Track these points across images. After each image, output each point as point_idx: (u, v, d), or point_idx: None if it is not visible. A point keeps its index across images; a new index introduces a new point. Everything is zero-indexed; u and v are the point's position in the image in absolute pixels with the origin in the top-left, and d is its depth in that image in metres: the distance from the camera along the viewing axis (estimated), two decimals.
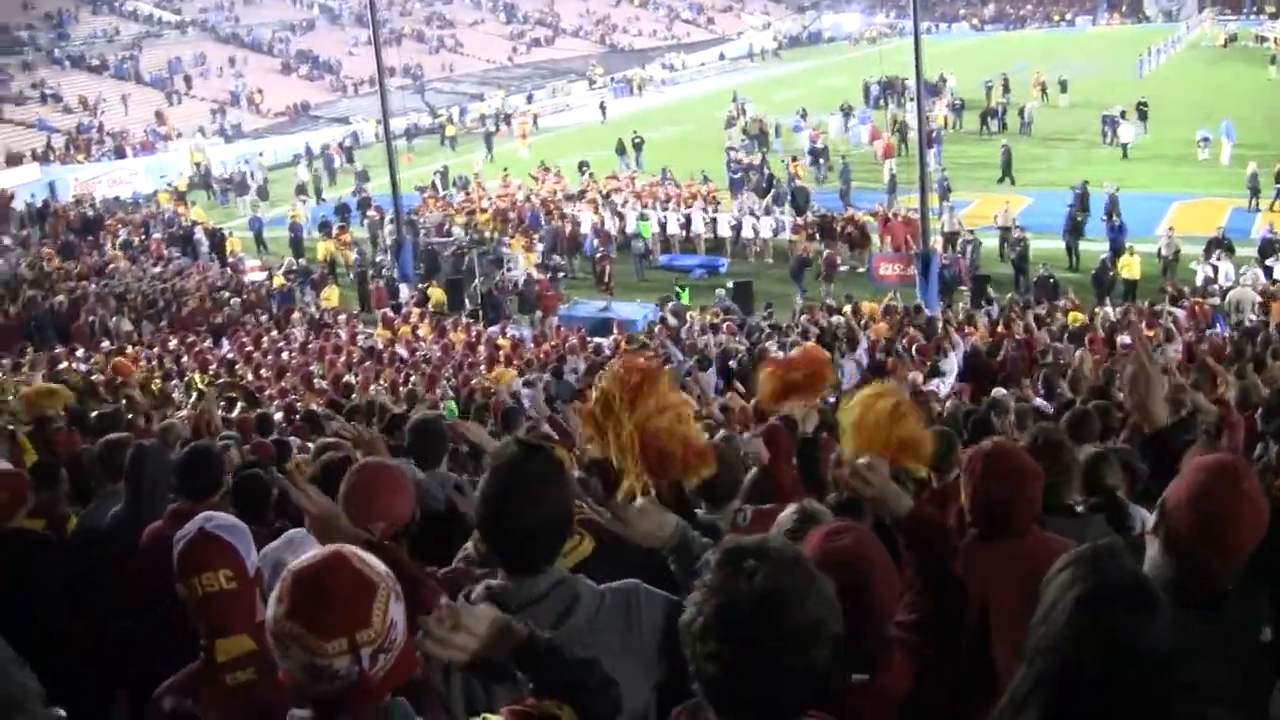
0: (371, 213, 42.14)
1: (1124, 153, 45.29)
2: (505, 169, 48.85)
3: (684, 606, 2.83)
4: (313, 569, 2.92)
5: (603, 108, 67.01)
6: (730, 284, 32.37)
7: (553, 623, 3.48)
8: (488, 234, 38.87)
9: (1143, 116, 48.61)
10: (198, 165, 56.64)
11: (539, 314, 32.26)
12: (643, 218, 37.77)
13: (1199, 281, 29.40)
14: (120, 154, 58.89)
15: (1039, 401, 13.67)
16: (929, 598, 4.08)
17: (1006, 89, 57.22)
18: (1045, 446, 5.63)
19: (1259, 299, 24.65)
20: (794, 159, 45.07)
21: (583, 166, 47.82)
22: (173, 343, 26.20)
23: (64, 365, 21.57)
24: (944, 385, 17.64)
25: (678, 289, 32.49)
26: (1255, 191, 36.49)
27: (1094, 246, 32.98)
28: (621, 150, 51.34)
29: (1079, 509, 5.94)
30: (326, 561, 2.93)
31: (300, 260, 38.57)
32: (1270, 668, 3.51)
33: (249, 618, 3.94)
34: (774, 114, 55.58)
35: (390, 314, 31.17)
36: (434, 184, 47.58)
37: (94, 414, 12.27)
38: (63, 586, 6.33)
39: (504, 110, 68.08)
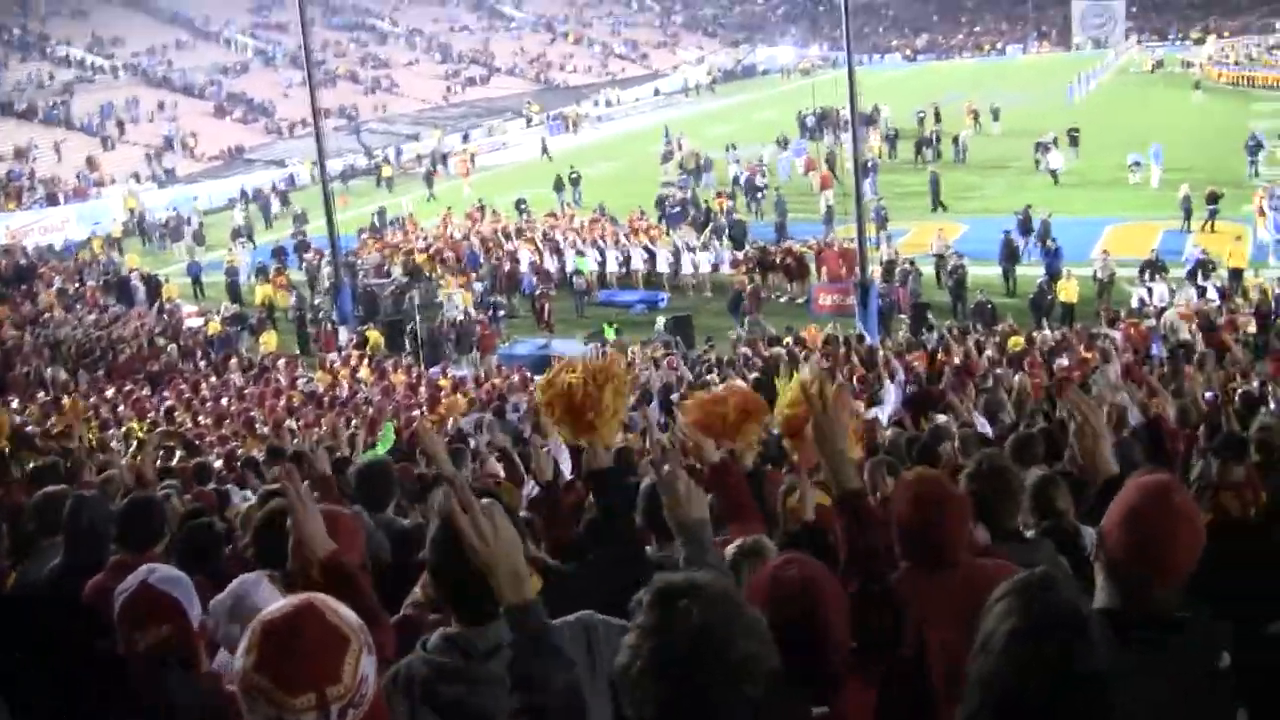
0: (309, 255, 41.97)
1: (1055, 179, 45.79)
2: (449, 207, 48.80)
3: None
4: (282, 619, 2.81)
5: (544, 145, 67.02)
6: (662, 319, 32.34)
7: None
8: (426, 274, 38.78)
9: (1074, 143, 49.32)
10: (132, 211, 56.19)
11: (478, 354, 32.20)
12: (580, 254, 37.80)
13: (1134, 303, 29.83)
14: (52, 201, 58.22)
15: (980, 423, 13.72)
16: (869, 620, 4.09)
17: (938, 118, 57.78)
18: (990, 472, 5.64)
19: (1191, 319, 24.97)
20: (718, 194, 45.44)
21: (520, 205, 47.85)
22: (109, 391, 25.92)
23: None
24: (884, 413, 17.67)
25: (604, 325, 32.41)
26: (1188, 213, 37.02)
27: (1030, 271, 33.37)
28: (559, 187, 51.36)
29: (1028, 534, 5.96)
30: (297, 612, 2.82)
31: (238, 305, 38.33)
32: (1227, 694, 3.53)
33: (193, 668, 3.86)
34: (709, 148, 55.77)
35: (329, 357, 30.98)
36: (373, 224, 47.48)
37: (31, 466, 12.10)
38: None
39: (440, 150, 68.00)
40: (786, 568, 3.72)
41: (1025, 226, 35.50)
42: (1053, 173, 46.14)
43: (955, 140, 53.04)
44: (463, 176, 59.66)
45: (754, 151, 53.16)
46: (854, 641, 3.78)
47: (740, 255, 36.91)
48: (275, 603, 2.95)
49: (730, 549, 4.57)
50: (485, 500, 3.32)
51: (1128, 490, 3.57)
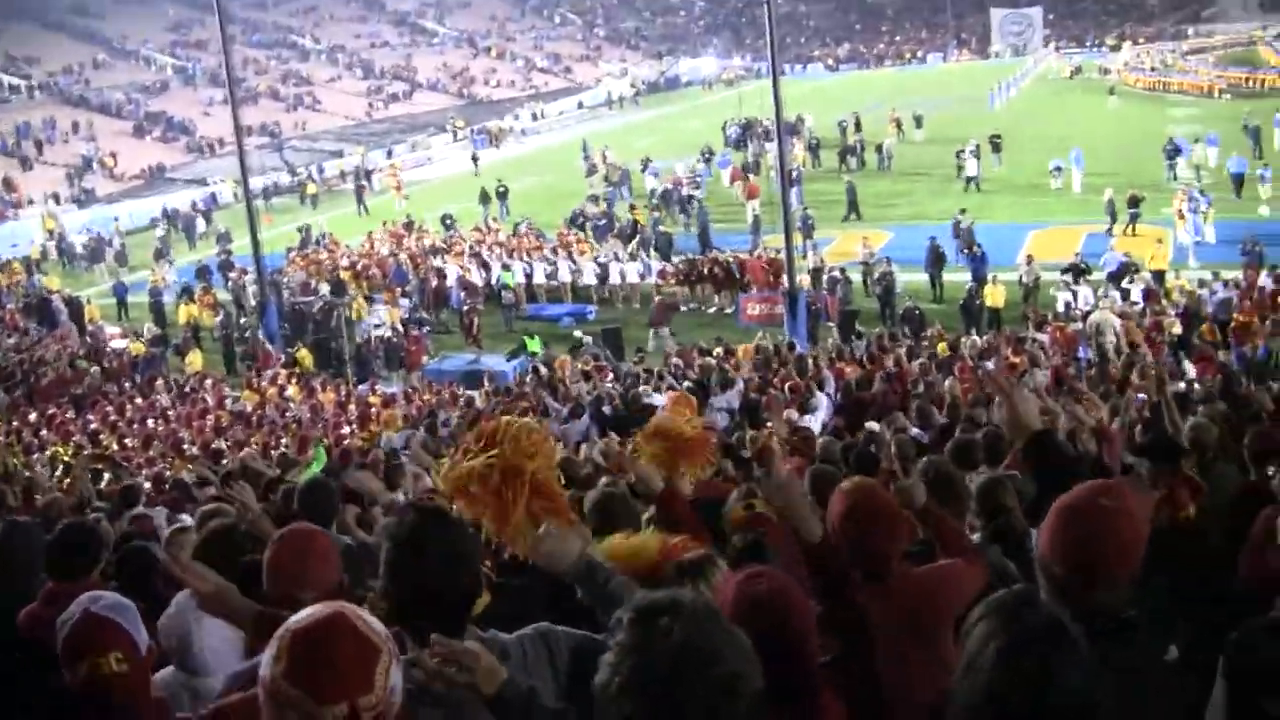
0: (234, 274, 41.60)
1: (971, 185, 46.20)
2: (385, 222, 48.59)
3: (596, 641, 2.81)
4: (314, 628, 2.79)
5: (475, 159, 66.71)
6: (579, 334, 32.14)
7: None
8: (351, 291, 38.55)
9: (996, 149, 49.79)
10: (50, 232, 55.42)
11: (404, 369, 32.11)
12: (507, 268, 37.73)
13: (1060, 307, 30.17)
14: None
15: (914, 431, 13.82)
16: (834, 634, 4.09)
17: (858, 127, 58.12)
18: (938, 479, 5.68)
19: (1118, 322, 25.28)
20: (631, 206, 45.61)
21: (446, 219, 47.74)
22: (32, 415, 25.57)
23: None
24: (816, 421, 17.75)
25: (525, 338, 32.33)
26: (1113, 217, 37.54)
27: (957, 277, 33.67)
28: (486, 199, 51.29)
29: (975, 537, 5.99)
30: (329, 622, 2.80)
31: (161, 326, 37.91)
32: (1179, 687, 3.55)
33: (142, 697, 3.77)
34: (634, 160, 55.82)
35: (254, 376, 30.70)
36: (301, 241, 47.11)
37: None
38: None
39: (364, 166, 67.67)
40: (754, 582, 3.71)
41: (957, 232, 35.82)
42: (969, 180, 46.54)
43: (879, 148, 53.48)
44: (395, 190, 59.38)
45: (681, 163, 53.17)
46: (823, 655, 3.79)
47: (668, 266, 36.98)
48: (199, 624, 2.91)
49: (669, 566, 4.55)
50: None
51: (1068, 492, 3.57)
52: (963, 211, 37.35)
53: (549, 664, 3.66)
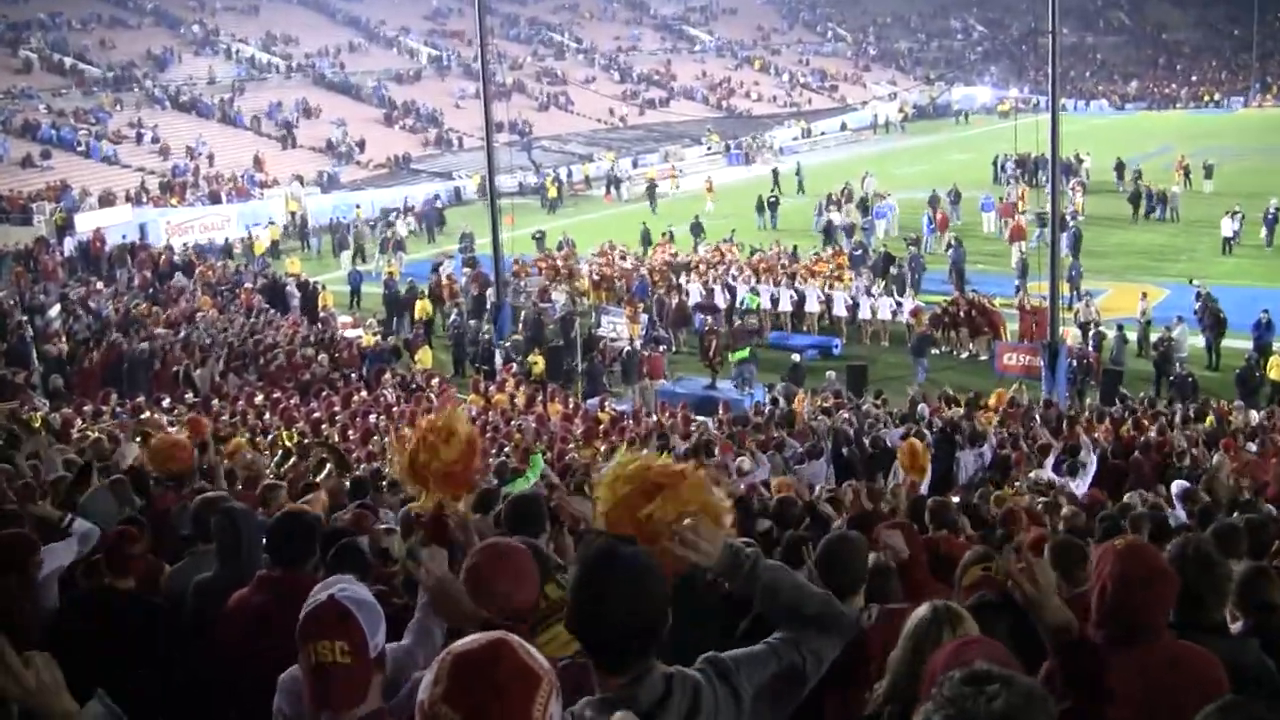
0: (466, 271, 42.53)
1: (1225, 248, 44.65)
2: (666, 233, 48.41)
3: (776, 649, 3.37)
4: (476, 655, 2.87)
5: (775, 175, 65.23)
6: (830, 373, 31.94)
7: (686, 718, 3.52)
8: (588, 302, 39.05)
9: None
10: (293, 215, 57.60)
11: (645, 381, 32.26)
12: (754, 292, 37.76)
13: None
14: (215, 199, 59.81)
15: (1178, 513, 13.37)
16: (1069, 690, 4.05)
17: (1139, 175, 56.73)
18: (1195, 556, 5.48)
19: None
20: (907, 240, 45.02)
21: (696, 229, 48.31)
22: (259, 398, 26.49)
23: (146, 415, 21.79)
24: (1081, 485, 17.32)
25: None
26: None
27: (1237, 344, 32.43)
28: (760, 209, 52.08)
29: (1233, 628, 5.79)
30: (492, 648, 2.89)
31: (395, 318, 39.00)
32: None
33: (357, 698, 3.85)
34: (896, 189, 55.26)
35: (482, 381, 31.23)
36: (537, 246, 47.90)
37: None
38: (155, 650, 6.43)
39: (615, 173, 68.54)
40: (968, 650, 3.69)
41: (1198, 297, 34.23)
42: (1226, 240, 44.99)
43: (1162, 197, 51.96)
44: (707, 191, 60.51)
45: (942, 195, 52.62)
46: None
47: (920, 304, 36.29)
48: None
49: (922, 614, 4.53)
50: None
51: None
52: (1190, 281, 36.01)
53: (732, 697, 3.70)
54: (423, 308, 38.92)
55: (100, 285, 41.19)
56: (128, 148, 64.70)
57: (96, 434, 17.41)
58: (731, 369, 32.37)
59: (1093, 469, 18.12)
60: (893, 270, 40.61)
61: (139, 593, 7.25)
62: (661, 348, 35.52)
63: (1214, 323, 32.75)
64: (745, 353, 32.28)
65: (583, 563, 3.66)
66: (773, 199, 52.62)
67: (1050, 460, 18.88)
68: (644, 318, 37.11)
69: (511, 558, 4.73)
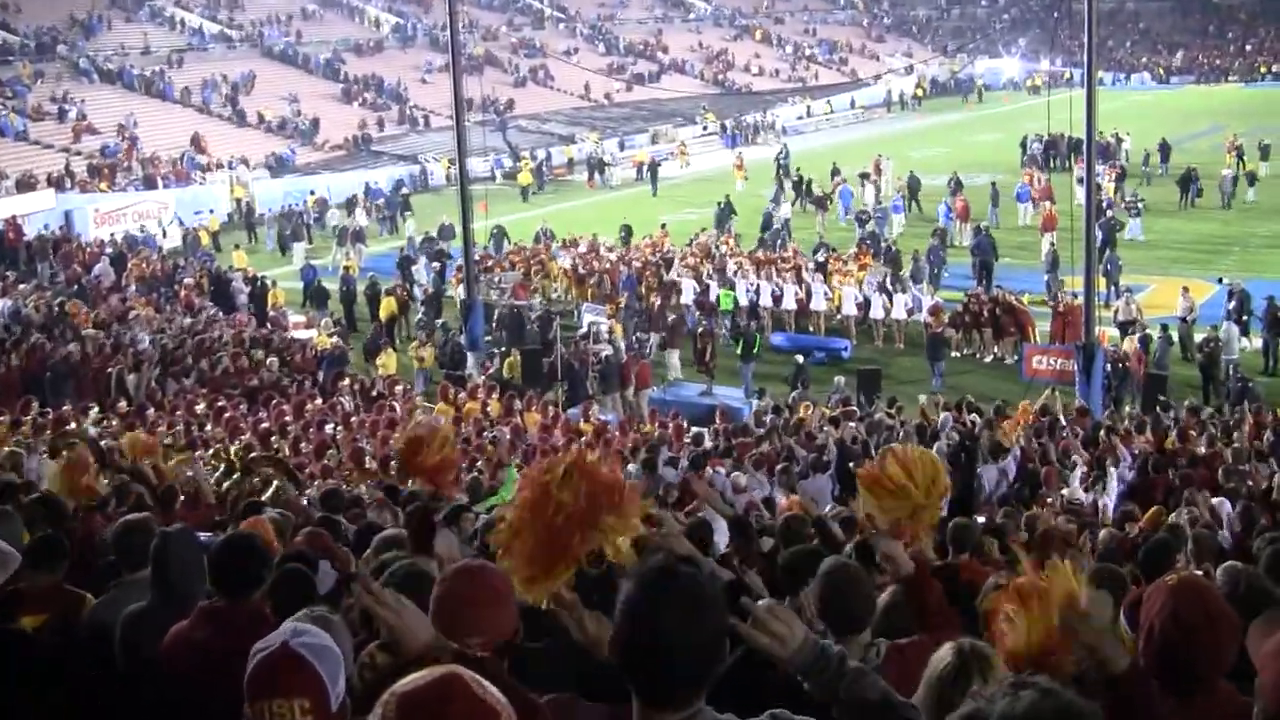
0: (434, 264, 42.47)
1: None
2: (663, 225, 48.03)
3: None
4: (424, 693, 2.84)
5: (783, 156, 65.02)
6: (839, 379, 32.09)
7: None
8: (566, 296, 38.96)
9: None
10: (239, 202, 57.30)
11: (630, 390, 32.09)
12: (731, 287, 37.90)
13: None
14: (150, 184, 59.25)
15: (1224, 534, 13.35)
16: None
17: (1165, 155, 57.36)
18: (1249, 594, 5.46)
19: None
20: (934, 232, 44.85)
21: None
22: (200, 406, 26.36)
23: (72, 426, 21.58)
24: (1110, 500, 17.34)
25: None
26: None
27: None
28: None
29: None
30: (441, 685, 2.85)
31: (352, 317, 38.87)
32: None
33: None
34: (918, 172, 55.28)
35: (451, 387, 31.06)
36: (495, 240, 47.49)
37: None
38: (62, 696, 6.32)
39: (598, 155, 68.35)
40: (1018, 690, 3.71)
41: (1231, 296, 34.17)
42: None
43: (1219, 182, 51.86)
44: (737, 170, 61.23)
45: (969, 181, 52.61)
46: None
47: (940, 302, 36.23)
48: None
49: (944, 657, 4.50)
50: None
51: None
52: (1221, 280, 36.05)
53: None
54: (388, 306, 38.72)
55: (17, 281, 40.73)
56: (49, 125, 63.97)
57: (10, 448, 17.25)
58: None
59: (1122, 483, 18.12)
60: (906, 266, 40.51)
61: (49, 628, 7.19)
62: (649, 351, 35.21)
63: (1272, 323, 32.65)
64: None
65: (636, 580, 3.57)
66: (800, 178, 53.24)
67: (1077, 475, 18.88)
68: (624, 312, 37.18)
69: (485, 579, 4.69)
